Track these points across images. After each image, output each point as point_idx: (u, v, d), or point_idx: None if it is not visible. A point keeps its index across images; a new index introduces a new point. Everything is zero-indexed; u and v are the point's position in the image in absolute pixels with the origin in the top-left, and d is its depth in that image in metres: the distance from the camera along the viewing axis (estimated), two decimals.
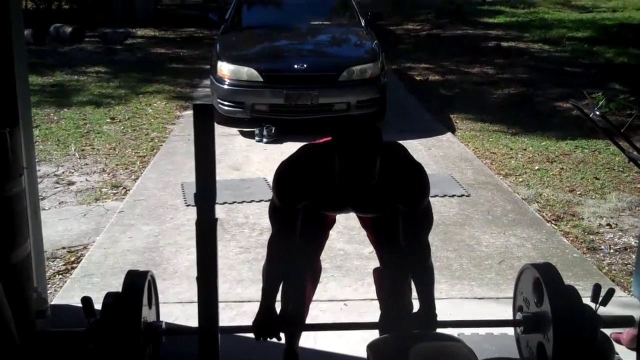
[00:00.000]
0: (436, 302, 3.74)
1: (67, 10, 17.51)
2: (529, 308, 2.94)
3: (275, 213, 2.68)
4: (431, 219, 2.75)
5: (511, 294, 3.75)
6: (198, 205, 2.22)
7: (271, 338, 2.79)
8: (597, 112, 3.95)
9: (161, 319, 3.16)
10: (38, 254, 3.42)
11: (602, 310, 2.85)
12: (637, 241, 4.45)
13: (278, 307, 2.90)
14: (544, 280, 2.74)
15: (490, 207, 5.23)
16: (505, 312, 3.59)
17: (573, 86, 9.58)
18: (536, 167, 6.34)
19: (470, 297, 3.86)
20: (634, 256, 4.29)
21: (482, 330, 3.37)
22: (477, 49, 13.34)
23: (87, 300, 2.63)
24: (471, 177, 5.95)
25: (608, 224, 4.99)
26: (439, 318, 3.53)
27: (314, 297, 3.63)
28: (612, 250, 4.57)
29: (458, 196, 5.42)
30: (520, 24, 16.41)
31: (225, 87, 7.43)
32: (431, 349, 2.27)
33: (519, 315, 3.00)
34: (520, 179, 6.03)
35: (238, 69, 7.44)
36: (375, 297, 3.17)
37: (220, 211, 5.12)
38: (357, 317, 3.57)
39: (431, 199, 5.17)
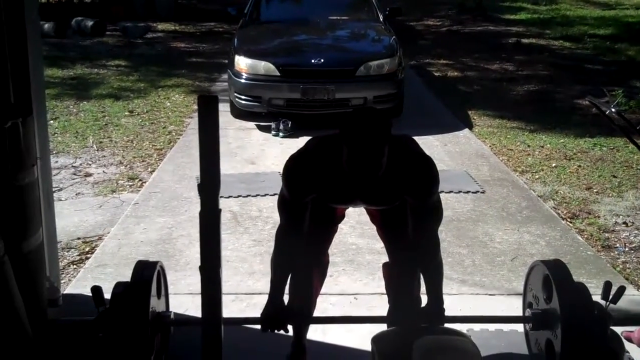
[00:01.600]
0: (447, 297, 3.73)
1: (88, 3, 17.61)
2: (539, 305, 2.92)
3: (284, 205, 2.69)
4: (440, 213, 2.74)
5: (522, 290, 3.74)
6: (202, 195, 2.24)
7: (279, 330, 2.78)
8: (614, 109, 3.91)
9: (172, 310, 3.18)
10: (51, 244, 3.46)
11: (613, 308, 2.83)
12: None
13: (286, 299, 2.90)
14: (553, 277, 2.72)
15: (505, 204, 5.20)
16: (516, 308, 3.58)
17: (593, 83, 9.50)
18: (553, 165, 6.29)
19: (482, 293, 3.84)
20: None
21: (492, 327, 3.36)
22: (498, 46, 13.26)
23: (96, 290, 2.64)
24: (487, 173, 5.92)
25: (624, 222, 4.95)
26: (449, 313, 3.53)
27: (324, 291, 3.64)
28: (627, 249, 4.53)
29: (473, 192, 5.39)
30: (541, 21, 16.28)
31: (243, 81, 7.44)
32: (434, 343, 2.27)
33: (528, 312, 2.98)
34: (537, 176, 5.99)
35: (255, 63, 7.45)
36: (385, 292, 3.16)
37: (234, 204, 5.15)
38: (367, 311, 3.57)
39: (446, 195, 5.19)
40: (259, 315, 3.53)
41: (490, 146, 6.87)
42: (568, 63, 11.48)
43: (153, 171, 6.06)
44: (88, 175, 6.01)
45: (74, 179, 5.91)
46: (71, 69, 10.70)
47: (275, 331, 2.79)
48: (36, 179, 3.08)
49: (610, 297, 2.80)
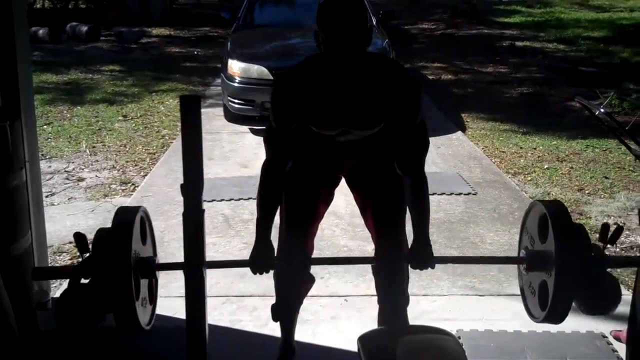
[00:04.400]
0: (437, 298, 3.76)
1: (83, 9, 17.66)
2: (534, 247, 2.72)
3: (270, 135, 2.63)
4: (427, 142, 2.65)
5: (512, 291, 3.75)
6: (185, 196, 2.24)
7: (267, 272, 2.66)
8: (602, 110, 3.92)
9: (161, 313, 3.15)
10: (41, 247, 3.46)
11: None
12: None
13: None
14: (550, 215, 2.51)
15: (497, 206, 5.21)
16: (506, 309, 3.60)
17: (587, 86, 9.53)
18: (545, 166, 6.31)
19: (472, 294, 3.84)
20: None
21: (481, 327, 3.37)
22: (492, 49, 13.30)
23: (80, 237, 2.46)
24: (479, 175, 5.94)
25: (615, 223, 4.96)
26: (438, 315, 3.54)
27: (315, 292, 3.64)
28: (618, 249, 4.54)
29: (465, 194, 5.40)
30: (536, 24, 16.34)
31: (236, 85, 7.45)
32: (418, 342, 2.27)
33: (522, 253, 2.77)
34: (529, 178, 6.01)
35: (248, 67, 7.47)
36: (375, 293, 3.14)
37: (226, 207, 5.16)
38: (357, 312, 3.57)
39: (438, 197, 5.20)
40: (250, 318, 3.56)
41: (483, 148, 6.89)
42: (562, 65, 11.53)
43: (146, 175, 6.07)
44: (81, 179, 6.01)
45: (66, 183, 5.91)
46: (65, 74, 10.71)
47: (265, 273, 2.66)
48: (25, 182, 3.09)
49: (608, 238, 2.66)
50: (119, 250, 2.33)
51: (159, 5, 16.93)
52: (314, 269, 3.12)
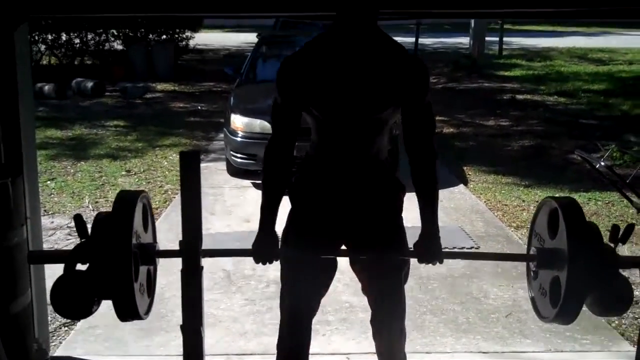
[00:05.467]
0: (440, 356, 3.71)
1: (89, 65, 17.88)
2: (544, 245, 2.66)
3: (275, 112, 2.62)
4: (434, 121, 2.61)
5: (517, 348, 3.72)
6: (183, 253, 2.23)
7: (271, 262, 2.61)
8: (603, 163, 3.94)
9: None
10: (40, 305, 3.43)
11: None
12: None
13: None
14: (563, 210, 2.45)
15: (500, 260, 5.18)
16: None
17: (588, 138, 9.57)
18: None
19: (475, 351, 3.80)
20: None
21: None
22: (493, 102, 13.40)
23: (79, 219, 2.41)
24: (481, 229, 5.92)
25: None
26: None
27: (317, 350, 3.61)
28: None
29: (467, 248, 5.38)
30: (536, 77, 16.48)
31: (239, 139, 7.49)
32: None
33: (533, 250, 2.72)
34: None
35: (251, 121, 7.52)
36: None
37: (227, 263, 5.13)
38: None
39: None
40: None
41: (485, 202, 6.89)
42: (562, 118, 11.60)
43: None
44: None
45: (68, 239, 5.90)
46: (70, 130, 10.78)
47: (268, 263, 2.61)
48: (25, 238, 3.08)
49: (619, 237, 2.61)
50: (121, 231, 2.27)
51: (163, 61, 17.13)
52: (315, 326, 3.10)
